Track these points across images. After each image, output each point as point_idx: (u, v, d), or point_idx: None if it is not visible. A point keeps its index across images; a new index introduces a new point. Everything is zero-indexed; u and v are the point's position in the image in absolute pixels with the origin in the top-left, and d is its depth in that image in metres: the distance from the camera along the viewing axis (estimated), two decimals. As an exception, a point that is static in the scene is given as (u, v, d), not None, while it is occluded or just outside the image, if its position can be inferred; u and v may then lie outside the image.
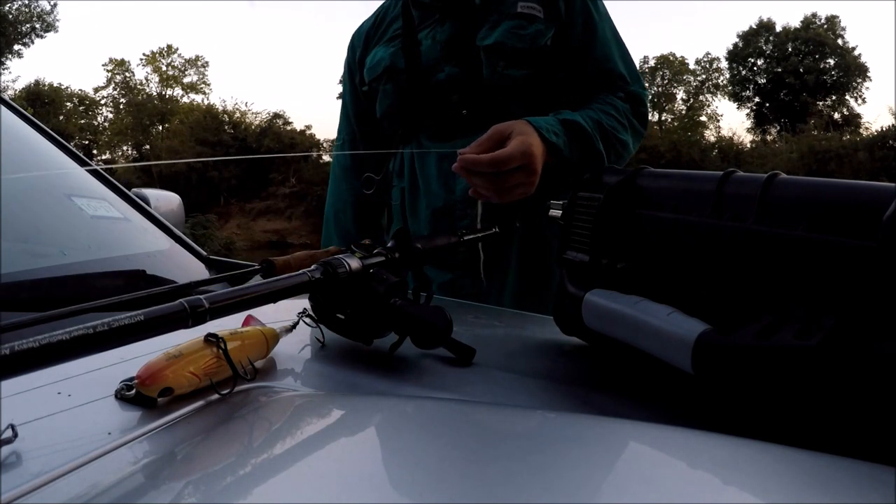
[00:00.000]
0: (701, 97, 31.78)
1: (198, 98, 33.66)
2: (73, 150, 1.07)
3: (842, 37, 28.66)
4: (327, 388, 0.56)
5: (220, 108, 31.20)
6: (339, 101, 1.34)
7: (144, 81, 33.54)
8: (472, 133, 1.08)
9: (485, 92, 1.07)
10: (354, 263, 0.58)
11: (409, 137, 1.16)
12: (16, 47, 28.56)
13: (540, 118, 0.93)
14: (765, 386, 0.45)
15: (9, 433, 0.36)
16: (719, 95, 31.80)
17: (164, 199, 1.22)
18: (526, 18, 1.05)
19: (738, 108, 31.36)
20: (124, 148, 33.09)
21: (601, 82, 1.10)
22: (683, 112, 31.51)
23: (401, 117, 1.15)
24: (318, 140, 29.77)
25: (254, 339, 0.55)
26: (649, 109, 1.14)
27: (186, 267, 0.96)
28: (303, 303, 0.66)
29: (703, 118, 31.26)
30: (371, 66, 1.16)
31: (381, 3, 1.24)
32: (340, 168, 1.32)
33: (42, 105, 29.96)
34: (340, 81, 1.31)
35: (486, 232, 0.85)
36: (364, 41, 1.22)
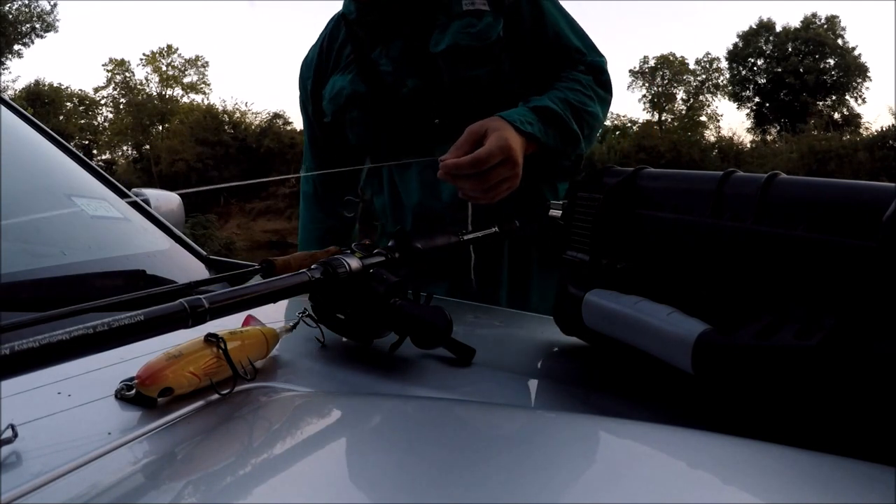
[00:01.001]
0: (701, 97, 31.78)
1: (198, 98, 33.69)
2: (73, 150, 1.07)
3: (842, 37, 28.67)
4: (327, 388, 0.56)
5: (220, 108, 31.21)
6: None
7: (144, 81, 33.55)
8: (449, 140, 1.10)
9: (452, 97, 1.06)
10: (354, 263, 0.58)
11: (386, 157, 1.15)
12: (16, 47, 28.58)
13: (511, 111, 0.94)
14: (765, 386, 0.45)
15: (9, 433, 0.36)
16: (719, 95, 31.83)
17: (164, 199, 1.22)
18: (474, 15, 1.04)
19: (738, 108, 31.37)
20: (124, 148, 33.12)
21: (559, 60, 1.09)
22: (683, 112, 31.50)
23: (375, 140, 1.14)
24: (318, 140, 29.62)
25: (254, 339, 0.55)
26: (611, 75, 1.13)
27: (186, 267, 0.96)
28: (303, 303, 0.66)
29: (703, 118, 31.26)
30: (332, 97, 1.14)
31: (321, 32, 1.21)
32: (308, 200, 1.30)
33: (42, 105, 29.95)
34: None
35: (486, 231, 0.85)
36: (315, 73, 1.20)
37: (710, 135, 30.05)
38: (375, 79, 1.10)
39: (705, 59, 32.12)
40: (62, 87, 32.78)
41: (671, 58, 31.91)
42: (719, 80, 31.77)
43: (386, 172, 1.17)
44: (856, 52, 28.42)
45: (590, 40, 1.13)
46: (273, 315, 0.64)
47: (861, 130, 26.59)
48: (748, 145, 28.22)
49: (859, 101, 28.47)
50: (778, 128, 29.42)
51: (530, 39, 1.08)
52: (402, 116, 1.10)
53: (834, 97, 28.75)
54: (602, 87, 1.09)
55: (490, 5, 1.05)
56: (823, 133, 25.59)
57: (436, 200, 1.11)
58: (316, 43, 1.21)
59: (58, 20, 29.34)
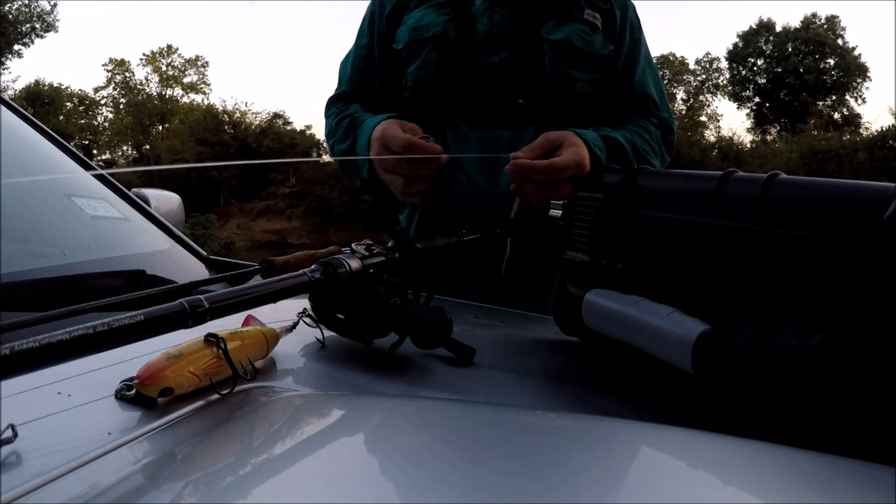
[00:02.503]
0: (701, 97, 31.78)
1: (198, 98, 33.68)
2: (74, 150, 1.07)
3: (842, 37, 28.68)
4: (327, 388, 0.56)
5: (220, 108, 31.21)
6: None
7: (144, 81, 33.56)
8: (520, 125, 1.04)
9: (544, 86, 1.05)
10: (354, 263, 0.58)
11: (442, 116, 1.08)
12: (16, 47, 28.58)
13: (585, 132, 0.93)
14: (765, 386, 0.45)
15: (9, 433, 0.36)
16: (719, 95, 31.85)
17: (164, 199, 1.22)
18: (590, 26, 1.05)
19: (738, 108, 31.40)
20: (124, 148, 33.12)
21: (636, 105, 1.12)
22: (683, 112, 31.48)
23: (440, 93, 1.06)
24: (318, 140, 29.72)
25: (254, 339, 0.55)
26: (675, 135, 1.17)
27: (186, 267, 0.96)
28: (303, 303, 0.66)
29: (703, 118, 31.26)
30: (416, 27, 1.07)
31: None
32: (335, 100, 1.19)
33: (42, 105, 29.95)
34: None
35: (487, 232, 0.85)
36: None
37: (710, 135, 30.11)
38: (468, 32, 1.05)
39: (705, 59, 32.18)
40: (62, 87, 32.82)
41: (671, 58, 31.92)
42: (719, 80, 31.82)
43: (441, 140, 1.08)
44: (856, 52, 28.45)
45: (666, 99, 1.16)
46: (273, 315, 0.64)
47: (861, 130, 26.61)
48: (748, 145, 28.26)
49: (859, 101, 28.52)
50: (778, 128, 29.43)
51: (620, 76, 1.10)
52: (479, 83, 1.05)
53: (834, 97, 28.77)
54: (666, 146, 1.11)
55: (602, 26, 1.06)
56: (823, 133, 25.61)
57: (493, 185, 1.06)
58: None
59: (58, 20, 29.40)
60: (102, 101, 33.55)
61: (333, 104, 1.20)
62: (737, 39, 30.42)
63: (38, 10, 28.70)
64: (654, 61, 1.21)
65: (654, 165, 1.07)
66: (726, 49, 31.45)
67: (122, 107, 33.02)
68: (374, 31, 1.16)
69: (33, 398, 0.44)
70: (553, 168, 0.82)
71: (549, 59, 1.04)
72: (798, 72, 28.10)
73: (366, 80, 1.18)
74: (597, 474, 0.33)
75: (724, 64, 31.31)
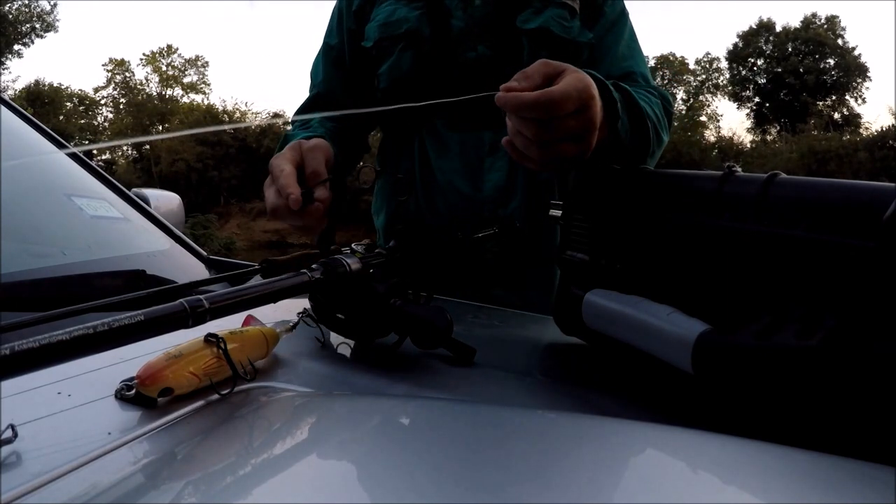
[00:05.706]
0: (701, 97, 31.77)
1: (198, 98, 33.69)
2: (74, 150, 1.07)
3: (842, 37, 28.70)
4: (327, 388, 0.55)
5: (220, 108, 31.19)
6: None
7: (144, 81, 33.58)
8: (503, 125, 0.95)
9: None
10: (354, 263, 0.58)
11: (418, 119, 1.02)
12: (16, 47, 28.60)
13: (592, 71, 0.72)
14: (765, 386, 0.45)
15: (9, 433, 0.36)
16: (719, 95, 31.86)
17: (164, 199, 1.22)
18: (569, 10, 1.00)
19: (738, 108, 31.44)
20: (124, 148, 33.11)
21: (624, 81, 1.05)
22: (683, 112, 31.47)
23: (416, 94, 0.91)
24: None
25: (254, 339, 0.55)
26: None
27: (186, 267, 0.97)
28: (303, 303, 0.66)
29: (703, 118, 31.26)
30: (386, 23, 1.00)
31: None
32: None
33: (42, 105, 29.96)
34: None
35: (486, 231, 0.85)
36: None
37: (710, 135, 30.12)
38: (442, 28, 1.00)
39: (705, 59, 32.17)
40: (62, 87, 32.82)
41: (671, 58, 31.89)
42: (719, 80, 31.82)
43: (418, 144, 1.04)
44: (856, 52, 28.47)
45: (650, 75, 1.07)
46: (273, 315, 0.64)
47: (861, 130, 26.62)
48: (748, 145, 28.28)
49: (859, 101, 28.53)
50: (778, 128, 29.44)
51: (604, 52, 1.03)
52: (456, 83, 0.97)
53: (834, 97, 28.78)
54: (668, 116, 0.94)
55: (580, 9, 1.01)
56: (823, 133, 25.62)
57: (476, 190, 1.01)
58: None
59: (58, 20, 29.43)
60: (102, 101, 33.59)
61: (304, 113, 1.12)
62: (737, 39, 30.48)
63: (38, 10, 28.76)
64: (654, 61, 1.16)
65: (662, 140, 0.91)
66: (726, 49, 31.52)
67: (122, 107, 33.04)
68: (344, 29, 1.09)
69: (33, 398, 0.44)
70: (551, 98, 0.60)
71: (528, 51, 0.98)
72: (798, 72, 28.12)
73: (340, 80, 1.10)
74: (597, 474, 0.33)
75: (724, 64, 31.37)
